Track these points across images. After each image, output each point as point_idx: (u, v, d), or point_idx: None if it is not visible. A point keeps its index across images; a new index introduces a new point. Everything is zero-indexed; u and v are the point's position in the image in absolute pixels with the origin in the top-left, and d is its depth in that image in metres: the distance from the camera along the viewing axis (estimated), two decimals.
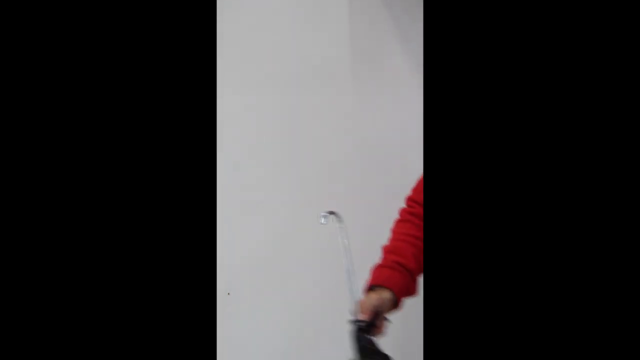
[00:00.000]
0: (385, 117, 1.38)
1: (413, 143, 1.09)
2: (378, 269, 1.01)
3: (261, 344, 1.37)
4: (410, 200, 1.07)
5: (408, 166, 1.17)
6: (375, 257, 1.12)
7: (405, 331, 1.43)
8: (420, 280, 1.01)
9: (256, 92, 1.31)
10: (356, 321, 0.95)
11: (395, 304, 0.99)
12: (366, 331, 0.94)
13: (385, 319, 0.99)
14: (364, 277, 1.00)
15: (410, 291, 1.01)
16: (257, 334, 1.36)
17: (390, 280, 0.99)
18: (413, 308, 1.01)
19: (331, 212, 1.01)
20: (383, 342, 1.23)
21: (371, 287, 0.99)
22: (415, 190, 1.07)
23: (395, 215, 1.19)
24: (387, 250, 1.03)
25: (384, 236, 1.09)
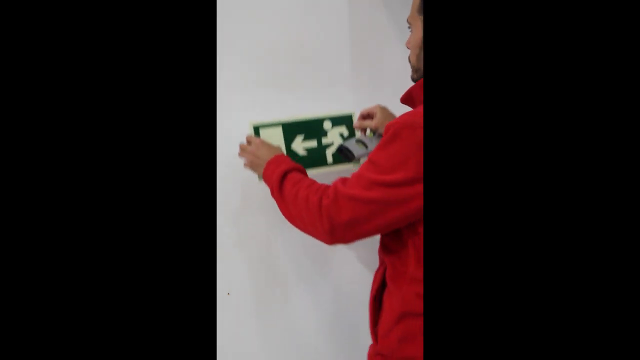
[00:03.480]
0: None
1: None
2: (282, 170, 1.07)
3: (261, 344, 1.37)
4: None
5: None
6: (375, 256, 1.12)
7: None
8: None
9: (255, 92, 1.31)
10: None
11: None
12: None
13: None
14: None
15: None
16: (257, 334, 1.36)
17: (270, 170, 1.09)
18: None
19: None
20: None
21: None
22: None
23: None
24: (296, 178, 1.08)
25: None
